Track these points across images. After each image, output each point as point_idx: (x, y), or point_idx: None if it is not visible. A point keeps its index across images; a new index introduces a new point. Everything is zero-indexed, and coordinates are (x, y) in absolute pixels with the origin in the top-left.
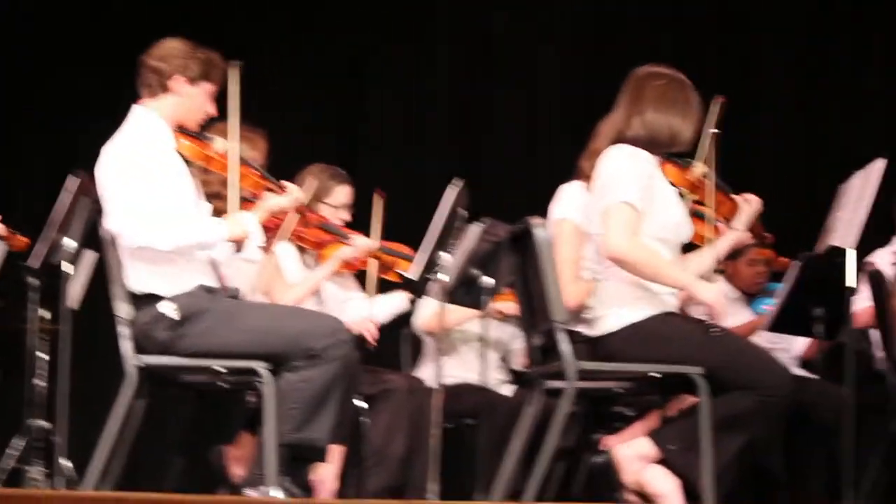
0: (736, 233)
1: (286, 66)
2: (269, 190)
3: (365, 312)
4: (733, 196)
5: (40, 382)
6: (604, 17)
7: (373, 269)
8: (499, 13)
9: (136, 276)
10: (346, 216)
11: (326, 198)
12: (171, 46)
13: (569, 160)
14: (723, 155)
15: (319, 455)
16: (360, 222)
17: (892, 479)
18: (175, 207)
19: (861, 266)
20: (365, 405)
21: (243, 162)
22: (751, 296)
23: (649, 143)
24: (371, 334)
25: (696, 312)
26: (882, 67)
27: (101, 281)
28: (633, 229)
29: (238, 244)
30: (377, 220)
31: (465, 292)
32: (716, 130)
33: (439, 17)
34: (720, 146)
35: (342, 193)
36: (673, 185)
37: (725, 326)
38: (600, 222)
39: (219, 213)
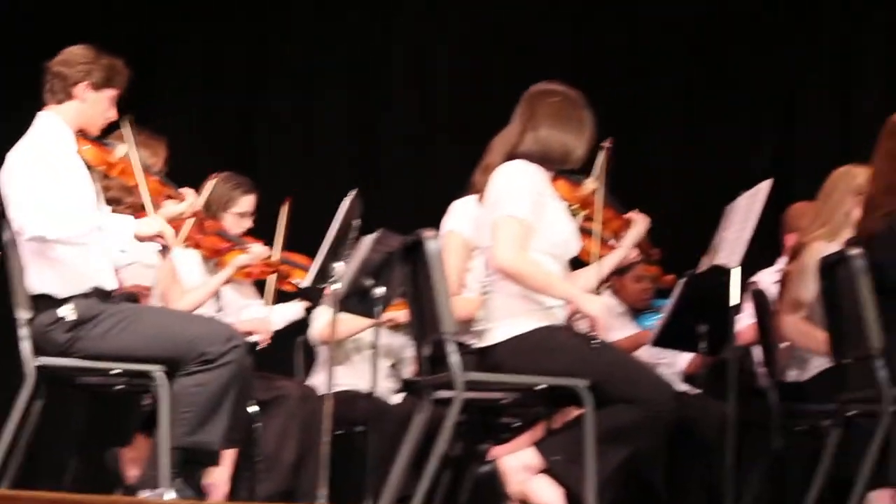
0: (622, 251)
1: (185, 76)
2: (169, 196)
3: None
4: (623, 214)
5: None
6: (497, 33)
7: (272, 278)
8: (391, 25)
9: (35, 277)
10: (249, 224)
11: (231, 207)
12: (76, 53)
13: (463, 173)
14: (612, 171)
15: (212, 459)
16: (260, 230)
17: (773, 496)
18: (80, 206)
19: (745, 285)
20: (258, 410)
21: (143, 169)
22: (637, 311)
23: (542, 159)
24: (263, 336)
25: (582, 326)
26: (770, 88)
27: (1, 281)
28: (520, 243)
29: (164, 246)
30: (281, 228)
31: (357, 301)
32: (607, 144)
33: (333, 31)
34: (612, 162)
35: (246, 202)
36: (563, 200)
37: (610, 340)
38: (490, 235)
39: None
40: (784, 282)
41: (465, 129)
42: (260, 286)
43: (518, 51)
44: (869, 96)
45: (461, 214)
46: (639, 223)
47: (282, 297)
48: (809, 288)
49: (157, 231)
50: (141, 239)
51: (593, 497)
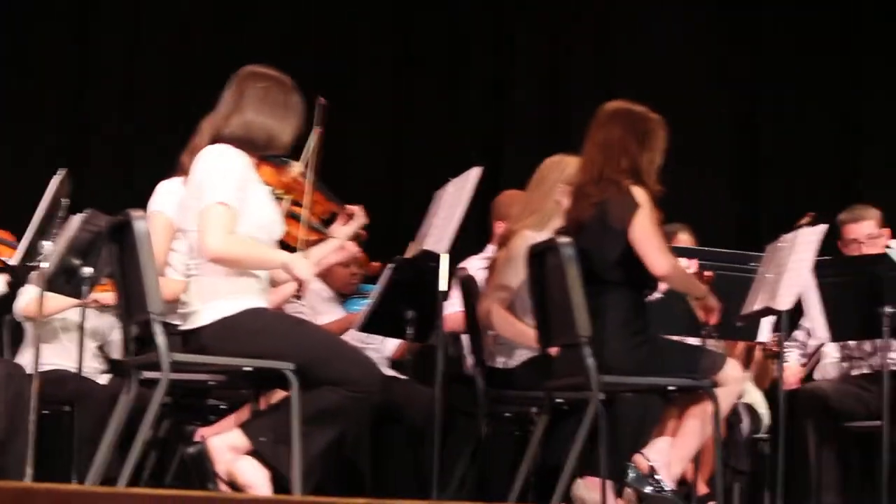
0: (337, 242)
1: None
2: None
3: None
4: (331, 198)
5: None
6: (213, 11)
7: None
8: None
9: None
10: None
11: None
12: None
13: (172, 153)
14: (321, 156)
15: None
16: None
17: (479, 482)
18: None
19: (454, 271)
20: None
21: None
22: (345, 296)
23: (246, 143)
24: None
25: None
26: (479, 76)
27: None
28: (228, 228)
29: None
30: None
31: (65, 281)
32: (319, 129)
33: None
34: (322, 147)
35: None
36: (267, 185)
37: (318, 324)
38: (197, 221)
39: None
40: (492, 269)
41: (175, 109)
42: None
43: (227, 28)
44: (578, 86)
45: (167, 195)
46: (358, 217)
47: None
48: (517, 276)
49: None
50: None
51: (299, 478)
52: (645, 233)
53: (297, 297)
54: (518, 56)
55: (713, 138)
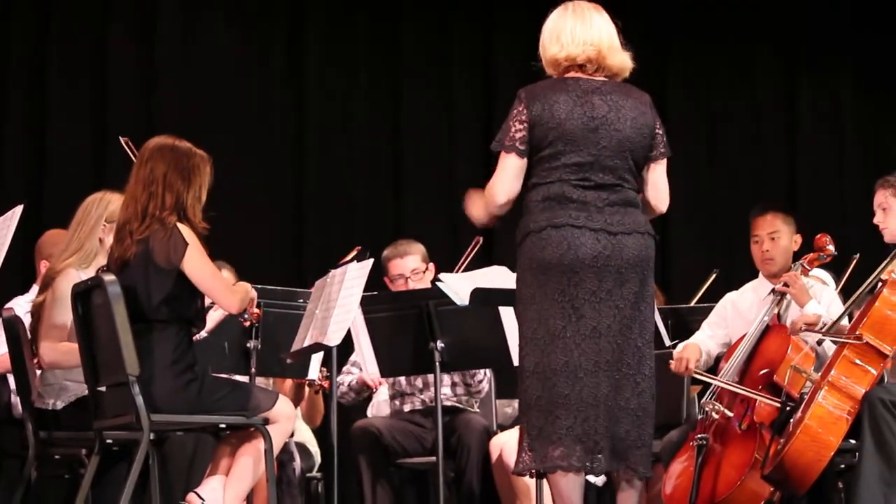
0: None
1: None
2: None
3: None
4: None
5: None
6: None
7: None
8: None
9: None
10: None
11: None
12: None
13: None
14: None
15: None
16: None
17: None
18: None
19: None
20: None
21: None
22: None
23: None
24: None
25: None
26: (15, 113)
27: None
28: None
29: None
30: None
31: None
32: None
33: None
34: None
35: None
36: None
37: None
38: None
39: None
40: (40, 310)
41: None
42: None
43: None
44: (119, 120)
45: None
46: None
47: None
48: (68, 314)
49: None
50: None
51: None
52: (205, 273)
53: None
54: (52, 92)
55: (258, 174)
